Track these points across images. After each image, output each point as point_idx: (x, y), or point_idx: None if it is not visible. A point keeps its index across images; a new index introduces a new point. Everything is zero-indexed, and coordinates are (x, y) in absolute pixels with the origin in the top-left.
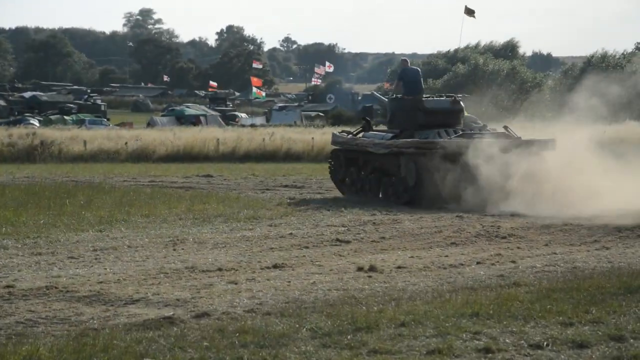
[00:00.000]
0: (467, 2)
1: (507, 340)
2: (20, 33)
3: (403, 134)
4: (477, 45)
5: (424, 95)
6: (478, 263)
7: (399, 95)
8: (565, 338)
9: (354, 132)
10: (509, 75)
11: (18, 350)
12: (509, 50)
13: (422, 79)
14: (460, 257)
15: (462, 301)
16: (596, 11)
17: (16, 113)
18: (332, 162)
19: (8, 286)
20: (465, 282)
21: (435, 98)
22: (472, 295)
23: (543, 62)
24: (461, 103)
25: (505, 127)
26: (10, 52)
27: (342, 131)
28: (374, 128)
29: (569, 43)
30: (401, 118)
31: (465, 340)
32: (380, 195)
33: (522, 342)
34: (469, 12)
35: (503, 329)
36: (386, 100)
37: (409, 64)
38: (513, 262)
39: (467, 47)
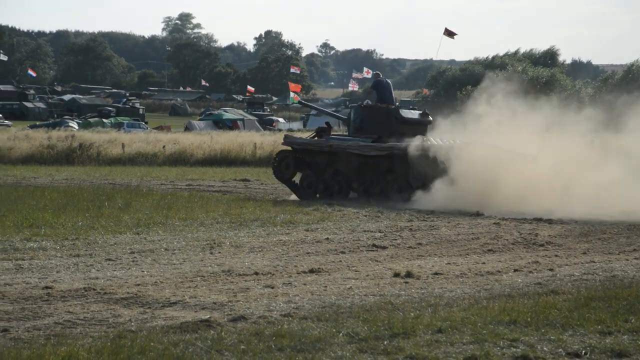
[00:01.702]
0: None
1: (544, 348)
2: (60, 37)
3: (380, 139)
4: (516, 53)
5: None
6: (515, 270)
7: (364, 104)
8: (604, 347)
9: (310, 136)
10: (547, 83)
11: (57, 351)
12: (548, 57)
13: (392, 92)
14: (497, 264)
15: (500, 308)
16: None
17: (55, 116)
18: (281, 162)
19: (47, 287)
20: (502, 289)
21: (405, 109)
22: (510, 302)
23: (582, 69)
24: (429, 116)
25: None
26: (51, 56)
27: (287, 135)
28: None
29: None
30: (374, 125)
31: (503, 347)
32: (351, 195)
33: (560, 350)
34: (450, 34)
35: (541, 336)
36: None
37: (381, 76)
38: (551, 270)
39: (505, 55)
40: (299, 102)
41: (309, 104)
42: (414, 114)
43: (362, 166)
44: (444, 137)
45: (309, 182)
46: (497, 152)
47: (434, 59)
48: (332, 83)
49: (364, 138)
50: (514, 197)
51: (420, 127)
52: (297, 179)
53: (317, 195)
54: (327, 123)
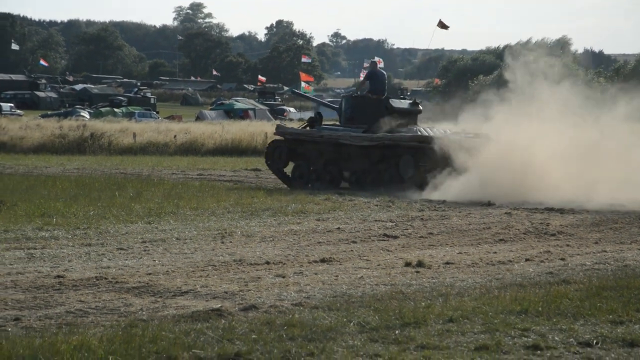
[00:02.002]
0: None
1: (556, 338)
2: (72, 26)
3: (370, 129)
4: (527, 42)
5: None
6: (527, 260)
7: (357, 94)
8: (615, 336)
9: (301, 127)
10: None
11: (69, 340)
12: (560, 47)
13: (386, 83)
14: (508, 253)
15: (511, 298)
16: None
17: (67, 105)
18: (273, 152)
19: (59, 276)
20: (513, 279)
21: (396, 99)
22: (521, 292)
23: (595, 59)
24: (419, 105)
25: (463, 130)
26: (62, 45)
27: (279, 125)
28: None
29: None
30: (365, 115)
31: (514, 337)
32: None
33: (572, 339)
34: (443, 25)
35: (552, 326)
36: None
37: (378, 66)
38: (562, 259)
39: (517, 44)
40: (292, 92)
41: (304, 94)
42: (404, 103)
43: (354, 156)
44: (435, 126)
45: (300, 172)
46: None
47: (428, 48)
48: (339, 72)
49: (355, 128)
50: (523, 186)
51: (411, 116)
52: (288, 169)
53: (310, 185)
54: (318, 113)
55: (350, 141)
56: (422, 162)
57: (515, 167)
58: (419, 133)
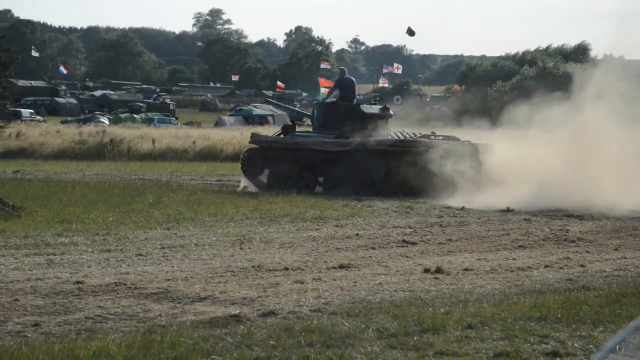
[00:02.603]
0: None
1: (575, 345)
2: (91, 33)
3: (342, 134)
4: (547, 48)
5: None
6: (546, 266)
7: (328, 102)
8: (637, 343)
9: (275, 134)
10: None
11: (88, 346)
12: (579, 53)
13: (356, 89)
14: (527, 260)
15: (530, 304)
16: None
17: (87, 111)
18: (249, 160)
19: (78, 282)
20: (533, 285)
21: (366, 105)
22: (540, 298)
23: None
24: (390, 110)
25: (433, 133)
26: (82, 52)
27: (253, 133)
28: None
29: None
30: (337, 121)
31: (533, 343)
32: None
33: (591, 346)
34: (411, 32)
35: (572, 332)
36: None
37: (346, 74)
38: (582, 266)
39: (536, 50)
40: (267, 102)
41: (278, 103)
42: (374, 109)
43: (326, 161)
44: (404, 130)
45: (275, 179)
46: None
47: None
48: (353, 78)
49: (327, 134)
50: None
51: (382, 121)
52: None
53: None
54: (292, 121)
55: (323, 147)
56: (393, 166)
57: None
58: (389, 137)
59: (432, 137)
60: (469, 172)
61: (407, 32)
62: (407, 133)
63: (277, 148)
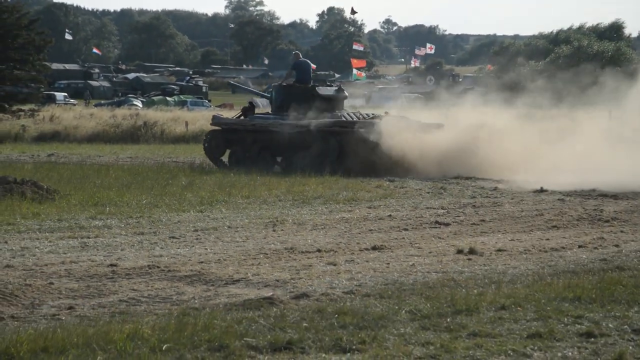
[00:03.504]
0: None
1: (609, 325)
2: (124, 15)
3: (299, 116)
4: (581, 27)
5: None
6: (580, 247)
7: (285, 84)
8: None
9: (236, 116)
10: (613, 57)
11: (122, 329)
12: (614, 31)
13: (311, 71)
14: (561, 240)
15: (564, 285)
16: None
17: (120, 94)
18: (211, 141)
19: (112, 265)
20: (566, 265)
21: (322, 87)
22: (574, 279)
23: None
24: (345, 92)
25: (386, 113)
26: (115, 34)
27: (215, 116)
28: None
29: None
30: (294, 103)
31: (567, 324)
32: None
33: (626, 326)
34: (352, 12)
35: (606, 313)
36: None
37: (300, 57)
38: (616, 246)
39: (570, 29)
40: (229, 84)
41: (237, 84)
42: (330, 90)
43: (284, 142)
44: (358, 111)
45: (236, 159)
46: (407, 123)
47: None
48: (308, 61)
49: (285, 115)
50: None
51: (337, 102)
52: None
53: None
54: (250, 102)
55: (280, 128)
56: (346, 146)
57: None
58: (343, 118)
59: (384, 116)
60: (416, 150)
61: (350, 13)
62: (360, 114)
63: (237, 130)
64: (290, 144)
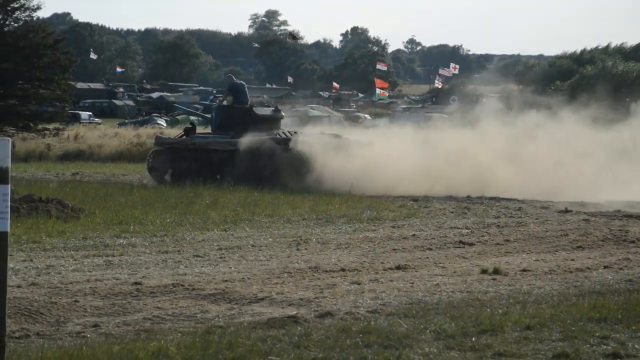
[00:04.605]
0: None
1: (636, 346)
2: (148, 35)
3: (237, 135)
4: (607, 47)
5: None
6: (605, 267)
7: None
8: None
9: (178, 136)
10: (638, 77)
11: (147, 346)
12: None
13: (247, 91)
14: (586, 260)
15: (589, 305)
16: None
17: (144, 113)
18: (154, 161)
19: (136, 283)
20: (592, 286)
21: (259, 107)
22: (600, 299)
23: None
24: (281, 112)
25: (322, 132)
26: (139, 54)
27: (157, 136)
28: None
29: None
30: (232, 123)
31: (593, 344)
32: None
33: None
34: (293, 37)
35: (632, 334)
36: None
37: (234, 79)
38: None
39: (595, 49)
40: (174, 104)
41: (183, 108)
42: (267, 111)
43: (223, 160)
44: (291, 130)
45: (178, 177)
46: (328, 139)
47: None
48: (243, 82)
49: (224, 135)
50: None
51: (274, 122)
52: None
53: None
54: (191, 123)
55: (219, 147)
56: (280, 162)
57: None
58: (278, 137)
59: (314, 135)
60: (342, 164)
61: (289, 38)
62: (289, 132)
63: (179, 149)
64: (228, 162)
